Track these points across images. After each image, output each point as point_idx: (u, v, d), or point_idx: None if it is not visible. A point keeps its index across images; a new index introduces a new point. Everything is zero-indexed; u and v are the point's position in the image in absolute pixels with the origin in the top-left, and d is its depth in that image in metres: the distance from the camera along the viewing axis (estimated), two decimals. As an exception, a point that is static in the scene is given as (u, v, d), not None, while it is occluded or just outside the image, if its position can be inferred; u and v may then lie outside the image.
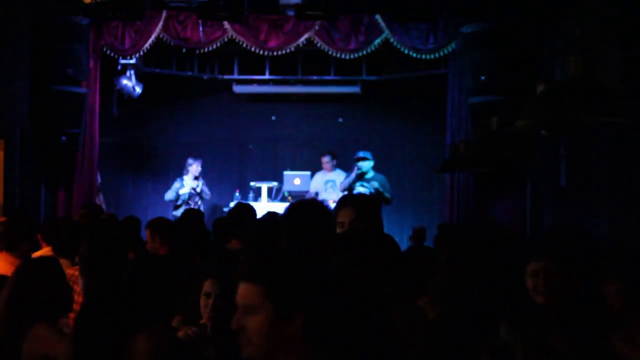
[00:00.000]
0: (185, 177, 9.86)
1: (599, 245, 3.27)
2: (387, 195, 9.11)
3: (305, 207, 3.11)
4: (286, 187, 10.00)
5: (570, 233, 3.18)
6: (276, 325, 1.87)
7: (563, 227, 4.23)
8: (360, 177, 9.24)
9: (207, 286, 3.09)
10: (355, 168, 9.27)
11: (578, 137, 6.64)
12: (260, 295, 1.88)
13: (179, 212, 9.52)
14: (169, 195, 9.80)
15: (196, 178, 9.88)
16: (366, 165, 9.28)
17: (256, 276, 1.92)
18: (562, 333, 2.71)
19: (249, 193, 10.08)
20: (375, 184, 9.10)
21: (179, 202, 9.75)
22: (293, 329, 1.87)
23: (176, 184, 9.84)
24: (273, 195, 10.04)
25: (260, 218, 4.24)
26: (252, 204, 9.61)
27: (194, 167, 9.88)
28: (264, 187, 9.95)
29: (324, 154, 10.20)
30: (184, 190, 9.75)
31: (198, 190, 9.79)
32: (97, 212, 6.73)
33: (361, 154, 9.36)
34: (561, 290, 2.82)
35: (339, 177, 10.09)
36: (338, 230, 3.07)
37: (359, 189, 9.10)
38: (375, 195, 8.94)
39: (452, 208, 9.17)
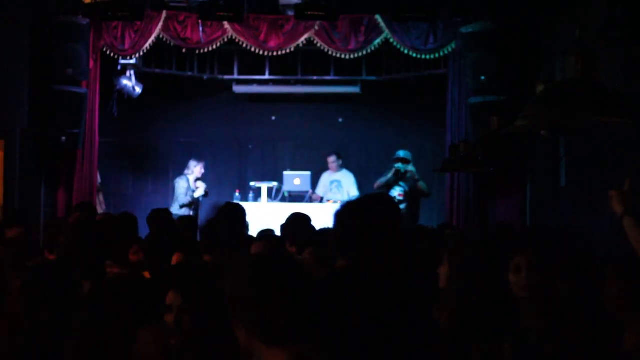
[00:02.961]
0: (189, 177, 9.83)
1: (590, 247, 3.25)
2: (423, 187, 9.19)
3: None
4: (286, 187, 9.99)
5: (558, 232, 3.17)
6: (236, 331, 1.91)
7: (550, 226, 4.21)
8: (401, 178, 9.19)
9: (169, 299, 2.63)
10: (394, 169, 9.22)
11: (578, 137, 6.64)
12: None
13: (180, 212, 9.47)
14: (183, 200, 9.66)
15: (198, 179, 9.88)
16: (405, 168, 9.22)
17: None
18: (549, 332, 2.69)
19: (249, 193, 10.05)
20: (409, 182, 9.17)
21: (187, 203, 9.69)
22: (245, 334, 1.90)
23: (183, 184, 9.72)
24: (273, 195, 10.03)
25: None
26: (252, 204, 9.67)
27: (198, 169, 9.86)
28: (264, 187, 9.93)
29: (329, 155, 10.17)
30: (199, 193, 9.71)
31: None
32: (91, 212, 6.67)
33: (402, 154, 9.29)
34: (542, 285, 2.78)
35: (344, 177, 10.08)
36: None
37: (394, 192, 9.06)
38: (411, 191, 9.02)
39: (452, 208, 9.16)
